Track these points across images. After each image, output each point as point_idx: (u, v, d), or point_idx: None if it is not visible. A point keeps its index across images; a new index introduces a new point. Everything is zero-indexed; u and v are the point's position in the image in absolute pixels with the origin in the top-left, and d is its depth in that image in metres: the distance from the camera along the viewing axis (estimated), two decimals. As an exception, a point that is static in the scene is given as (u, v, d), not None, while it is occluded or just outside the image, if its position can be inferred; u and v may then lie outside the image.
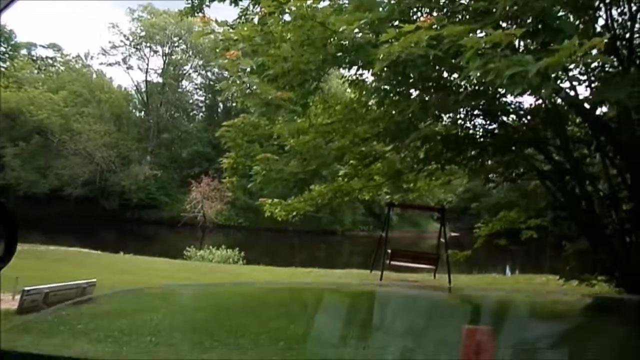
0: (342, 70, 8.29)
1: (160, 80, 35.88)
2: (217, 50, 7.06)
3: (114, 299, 6.73)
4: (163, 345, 4.78)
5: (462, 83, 5.76)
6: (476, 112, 7.69)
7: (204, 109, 39.02)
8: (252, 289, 9.46)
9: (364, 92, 7.93)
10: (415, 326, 4.24)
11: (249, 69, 5.03)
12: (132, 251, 14.73)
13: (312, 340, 4.15)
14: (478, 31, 4.59)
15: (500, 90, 5.41)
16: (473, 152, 8.10)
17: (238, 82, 5.18)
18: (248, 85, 4.91)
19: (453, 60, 4.76)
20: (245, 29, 5.54)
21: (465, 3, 5.57)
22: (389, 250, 11.49)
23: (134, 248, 15.98)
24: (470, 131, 8.07)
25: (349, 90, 9.21)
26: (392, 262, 11.39)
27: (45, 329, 4.99)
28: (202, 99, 39.04)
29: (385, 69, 4.74)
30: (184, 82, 37.78)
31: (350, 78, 8.07)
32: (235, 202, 29.51)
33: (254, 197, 30.59)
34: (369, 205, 28.90)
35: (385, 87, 6.15)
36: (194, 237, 26.65)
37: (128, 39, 34.62)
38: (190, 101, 38.65)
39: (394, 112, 7.13)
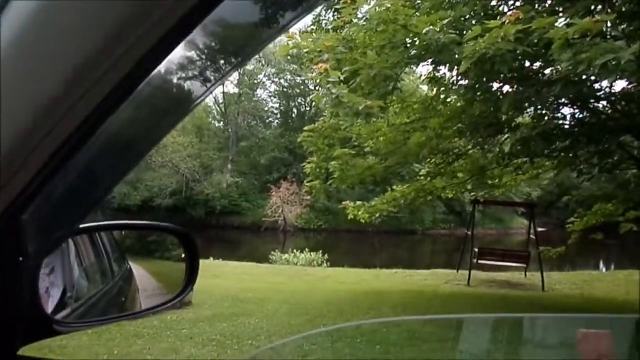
0: (417, 67, 8.23)
1: (236, 90, 37.10)
2: (304, 62, 7.23)
3: (212, 304, 7.07)
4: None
5: (552, 72, 5.55)
6: (563, 100, 7.35)
7: (278, 116, 39.89)
8: (344, 291, 9.58)
9: (443, 89, 7.82)
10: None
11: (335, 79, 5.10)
12: (219, 256, 15.31)
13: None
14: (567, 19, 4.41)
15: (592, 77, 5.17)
16: (564, 143, 7.74)
17: (324, 92, 5.28)
18: (336, 95, 4.99)
19: (542, 51, 4.59)
20: (328, 39, 5.64)
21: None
22: (476, 249, 11.17)
23: (221, 253, 16.60)
24: (559, 121, 7.73)
25: (422, 86, 9.10)
26: (480, 261, 11.08)
27: (153, 334, 5.33)
28: (277, 105, 39.93)
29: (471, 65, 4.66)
30: (259, 91, 38.81)
31: (428, 75, 7.97)
32: (315, 205, 29.90)
33: (332, 200, 30.98)
34: (450, 203, 28.28)
35: (473, 83, 6.01)
36: (276, 241, 27.30)
37: (203, 52, 36.00)
38: (266, 108, 39.64)
39: (476, 106, 6.97)
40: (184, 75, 0.72)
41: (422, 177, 9.63)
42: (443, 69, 7.18)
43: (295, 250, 15.89)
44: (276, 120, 40.05)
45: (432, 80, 7.87)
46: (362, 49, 5.66)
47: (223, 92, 37.34)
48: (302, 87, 36.62)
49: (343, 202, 9.90)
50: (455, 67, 5.68)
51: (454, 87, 7.40)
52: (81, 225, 1.05)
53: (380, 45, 5.52)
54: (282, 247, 22.02)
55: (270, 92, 39.52)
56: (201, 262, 1.43)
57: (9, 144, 0.59)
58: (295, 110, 39.36)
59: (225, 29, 0.66)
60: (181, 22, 0.54)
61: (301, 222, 30.25)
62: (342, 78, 5.17)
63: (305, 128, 8.25)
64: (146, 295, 1.48)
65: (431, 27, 4.81)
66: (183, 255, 1.34)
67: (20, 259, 0.74)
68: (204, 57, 0.71)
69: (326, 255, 15.42)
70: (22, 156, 0.61)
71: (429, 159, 9.12)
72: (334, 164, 7.83)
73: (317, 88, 5.91)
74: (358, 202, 9.59)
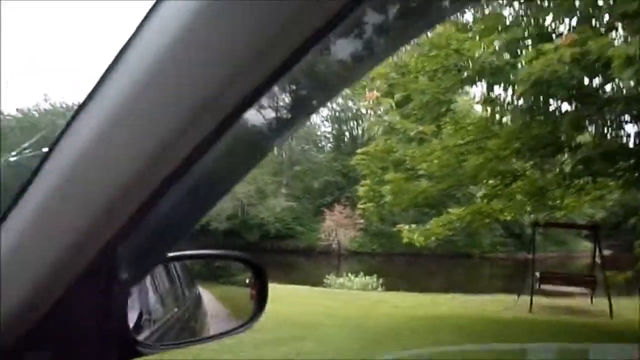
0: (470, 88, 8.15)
1: (289, 115, 37.72)
2: (356, 88, 7.34)
3: (270, 328, 7.14)
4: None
5: (613, 89, 5.38)
6: (626, 117, 7.08)
7: (331, 139, 40.23)
8: (400, 316, 9.43)
9: (498, 109, 7.70)
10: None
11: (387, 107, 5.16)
12: (274, 280, 15.41)
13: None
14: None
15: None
16: (628, 162, 7.42)
17: (376, 119, 5.34)
18: (389, 122, 5.04)
19: (602, 69, 4.47)
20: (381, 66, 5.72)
21: (610, 6, 5.22)
22: (538, 274, 10.73)
23: (275, 277, 16.73)
24: (623, 139, 7.43)
25: (476, 107, 8.99)
26: (542, 287, 10.63)
27: (211, 357, 5.43)
28: (329, 129, 40.30)
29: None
30: (312, 115, 39.36)
31: (482, 97, 7.87)
32: (368, 228, 29.71)
33: (386, 223, 30.68)
34: (508, 226, 27.39)
35: (530, 105, 5.90)
36: (330, 265, 27.27)
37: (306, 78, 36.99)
38: (318, 133, 40.09)
39: (533, 126, 6.82)
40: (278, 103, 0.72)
41: (478, 200, 9.43)
42: (498, 89, 7.10)
43: (349, 274, 15.82)
44: (329, 144, 40.41)
45: (487, 101, 7.77)
46: (415, 74, 5.69)
47: (276, 117, 38.07)
48: (354, 111, 36.85)
49: (397, 225, 9.81)
50: (511, 88, 5.60)
51: (509, 108, 7.27)
52: (169, 254, 1.10)
53: (433, 70, 5.54)
54: (337, 271, 21.96)
55: (322, 116, 40.02)
56: (241, 287, 1.49)
57: (140, 164, 0.63)
58: (347, 134, 39.56)
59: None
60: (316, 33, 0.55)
61: (355, 245, 30.11)
62: (393, 105, 5.21)
63: (359, 151, 8.30)
64: (214, 319, 1.55)
65: (484, 50, 4.79)
66: (247, 281, 1.39)
67: (114, 287, 0.80)
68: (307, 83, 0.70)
69: (381, 280, 15.25)
70: (141, 183, 0.65)
71: (485, 181, 8.95)
72: (387, 188, 7.80)
73: (369, 112, 5.94)
74: (413, 225, 9.49)
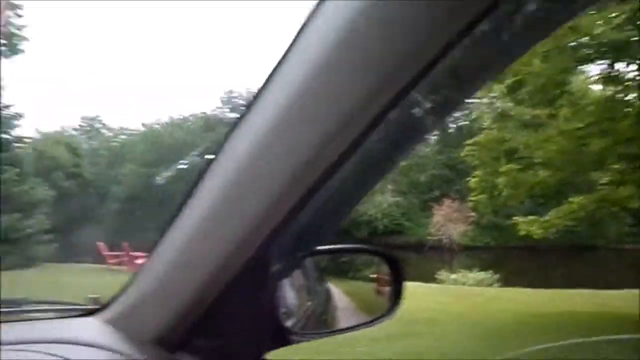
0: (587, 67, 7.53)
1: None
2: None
3: (384, 323, 7.14)
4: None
5: None
6: None
7: (435, 132, 39.28)
8: (519, 313, 8.99)
9: (621, 88, 7.05)
10: None
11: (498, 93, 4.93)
12: (385, 276, 15.35)
13: None
14: None
15: None
16: None
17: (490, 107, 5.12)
18: (501, 109, 4.81)
19: None
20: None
21: None
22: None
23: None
24: None
25: (594, 87, 8.28)
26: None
27: (331, 351, 5.56)
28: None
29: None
30: (415, 108, 38.69)
31: (602, 75, 7.25)
32: (480, 221, 28.59)
33: (498, 216, 29.32)
34: (637, 214, 24.93)
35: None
36: (440, 260, 26.59)
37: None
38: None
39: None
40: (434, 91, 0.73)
41: (603, 186, 8.71)
42: (619, 66, 6.50)
43: (463, 270, 15.35)
44: (434, 137, 39.45)
45: (608, 79, 7.15)
46: (527, 57, 5.39)
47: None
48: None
49: (513, 218, 9.33)
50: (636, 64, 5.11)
51: (632, 85, 6.64)
52: (317, 248, 1.15)
53: (546, 50, 5.19)
54: (449, 267, 21.36)
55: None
56: (367, 283, 1.54)
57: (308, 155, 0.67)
58: (452, 125, 38.39)
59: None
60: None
61: (466, 239, 29.12)
62: (505, 90, 4.95)
63: (469, 142, 8.03)
64: (342, 313, 1.60)
65: (605, 26, 4.40)
66: (372, 276, 1.44)
67: (267, 281, 0.87)
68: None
69: (497, 275, 14.61)
70: (296, 185, 0.70)
71: (610, 166, 8.24)
72: (502, 181, 7.44)
73: (479, 101, 5.70)
74: (530, 217, 8.99)
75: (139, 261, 15.90)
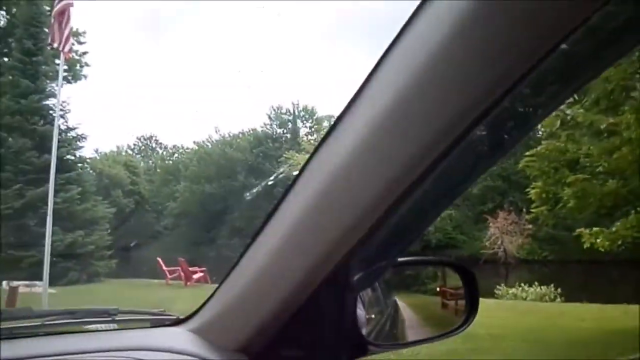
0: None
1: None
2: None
3: (447, 339, 6.96)
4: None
5: None
6: None
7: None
8: (587, 329, 8.59)
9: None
10: None
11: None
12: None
13: None
14: None
15: None
16: None
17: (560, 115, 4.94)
18: (571, 116, 4.63)
19: None
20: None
21: None
22: None
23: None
24: None
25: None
26: None
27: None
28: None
29: None
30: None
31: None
32: (537, 234, 27.61)
33: (557, 228, 28.17)
34: None
35: None
36: (496, 274, 25.76)
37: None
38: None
39: None
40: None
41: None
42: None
43: (522, 284, 14.80)
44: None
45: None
46: None
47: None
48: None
49: (577, 230, 8.93)
50: None
51: None
52: (399, 259, 1.15)
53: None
54: (506, 280, 20.63)
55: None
56: (432, 296, 1.52)
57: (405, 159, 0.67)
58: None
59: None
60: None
61: (523, 253, 28.14)
62: (575, 98, 4.76)
63: (527, 153, 7.80)
64: (408, 325, 1.58)
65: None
66: (437, 289, 1.45)
67: (348, 292, 0.88)
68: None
69: (559, 289, 14.01)
70: (383, 197, 0.70)
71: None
72: (568, 192, 7.14)
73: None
74: (595, 229, 8.59)
75: (196, 276, 16.25)
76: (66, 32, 10.11)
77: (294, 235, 0.78)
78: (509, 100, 0.63)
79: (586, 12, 0.54)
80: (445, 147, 0.65)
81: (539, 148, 7.50)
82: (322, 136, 0.77)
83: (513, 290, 14.53)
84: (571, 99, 4.58)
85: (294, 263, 0.79)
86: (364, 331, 1.10)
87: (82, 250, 17.98)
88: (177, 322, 1.01)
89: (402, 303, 1.58)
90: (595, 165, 7.72)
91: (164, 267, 17.55)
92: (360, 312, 1.09)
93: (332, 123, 0.75)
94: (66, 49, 10.54)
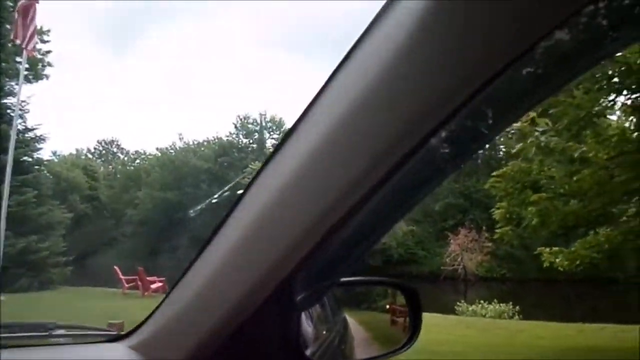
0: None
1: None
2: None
3: (411, 357, 6.96)
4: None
5: None
6: None
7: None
8: (547, 347, 8.74)
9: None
10: None
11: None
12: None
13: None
14: None
15: None
16: None
17: (534, 140, 5.05)
18: (545, 143, 4.75)
19: None
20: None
21: None
22: None
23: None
24: None
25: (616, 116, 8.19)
26: None
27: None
28: (448, 150, 39.27)
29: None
30: (430, 138, 38.75)
31: (630, 103, 7.17)
32: (496, 252, 28.23)
33: (515, 247, 28.85)
34: (659, 247, 24.40)
35: None
36: (456, 291, 26.17)
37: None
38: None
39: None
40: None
41: (629, 218, 8.52)
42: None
43: (482, 301, 15.04)
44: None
45: (636, 109, 7.07)
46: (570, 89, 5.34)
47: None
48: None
49: (538, 249, 9.13)
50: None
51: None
52: (341, 280, 1.15)
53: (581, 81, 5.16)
54: (465, 297, 20.90)
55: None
56: (382, 314, 1.55)
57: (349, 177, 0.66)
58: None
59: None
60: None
61: (482, 270, 28.69)
62: (550, 124, 4.91)
63: (494, 173, 7.97)
64: (358, 343, 1.60)
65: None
66: (387, 307, 1.48)
67: (291, 309, 0.88)
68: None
69: (517, 307, 14.30)
70: (329, 215, 0.69)
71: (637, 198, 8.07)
72: (532, 210, 7.32)
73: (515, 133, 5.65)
74: (555, 248, 8.81)
75: (154, 286, 15.83)
76: (30, 29, 9.77)
77: (237, 252, 0.79)
78: (463, 114, 0.61)
79: (541, 31, 0.54)
80: (382, 175, 0.64)
81: (505, 169, 7.68)
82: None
83: (473, 307, 14.74)
84: (546, 124, 4.72)
85: (236, 279, 0.79)
86: (310, 349, 1.10)
87: (36, 256, 17.29)
88: (117, 338, 0.99)
89: (352, 320, 1.60)
90: (556, 187, 7.94)
91: (121, 276, 17.06)
92: (307, 329, 1.10)
93: (281, 138, 0.76)
94: (29, 47, 10.19)
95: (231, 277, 0.80)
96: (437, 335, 9.65)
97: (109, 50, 58.99)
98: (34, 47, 10.44)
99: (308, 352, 1.06)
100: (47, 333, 1.14)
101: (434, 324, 11.54)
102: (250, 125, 41.91)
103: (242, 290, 0.78)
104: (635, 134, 7.42)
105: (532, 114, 4.81)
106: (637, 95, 6.06)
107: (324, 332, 1.35)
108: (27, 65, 14.86)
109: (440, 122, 0.61)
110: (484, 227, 28.07)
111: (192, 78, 56.63)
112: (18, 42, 10.04)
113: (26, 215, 17.34)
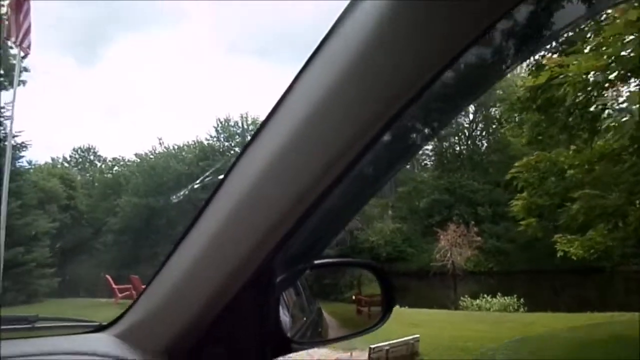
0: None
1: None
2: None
3: (438, 354, 6.84)
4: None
5: None
6: None
7: (432, 157, 39.36)
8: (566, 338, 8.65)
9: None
10: None
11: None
12: (401, 304, 15.00)
13: None
14: None
15: None
16: None
17: None
18: None
19: None
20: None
21: None
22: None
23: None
24: None
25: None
26: None
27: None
28: (430, 147, 39.48)
29: None
30: (412, 134, 38.87)
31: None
32: (484, 246, 28.46)
33: (501, 240, 29.17)
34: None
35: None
36: (445, 286, 26.27)
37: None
38: (420, 152, 39.43)
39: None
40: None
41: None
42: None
43: (486, 295, 15.05)
44: (430, 162, 39.54)
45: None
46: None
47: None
48: (453, 126, 35.82)
49: (555, 236, 9.05)
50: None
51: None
52: (315, 262, 1.21)
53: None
54: (454, 292, 20.87)
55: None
56: (348, 304, 1.59)
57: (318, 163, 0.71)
58: (450, 150, 38.57)
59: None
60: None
61: (470, 265, 28.86)
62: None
63: (517, 164, 7.87)
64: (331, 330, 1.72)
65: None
66: (353, 297, 1.55)
67: (270, 292, 0.92)
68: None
69: (522, 300, 14.34)
70: (300, 202, 0.74)
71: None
72: (576, 207, 7.21)
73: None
74: (570, 236, 8.76)
75: (150, 294, 15.38)
76: (25, 26, 9.25)
77: (214, 241, 0.82)
78: (415, 107, 0.67)
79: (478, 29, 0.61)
80: (355, 154, 0.69)
81: (529, 158, 7.59)
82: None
83: (477, 301, 14.75)
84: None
85: (216, 265, 0.82)
86: (291, 331, 1.16)
87: (21, 268, 16.63)
88: (100, 329, 1.01)
89: (324, 311, 1.70)
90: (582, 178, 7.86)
91: (114, 285, 16.54)
92: (286, 314, 1.15)
93: (255, 131, 0.79)
94: (25, 44, 9.65)
95: (210, 263, 0.83)
96: (453, 332, 9.57)
97: (79, 58, 57.61)
98: (29, 45, 9.87)
99: (289, 334, 1.10)
100: (30, 325, 1.15)
101: (442, 320, 11.48)
102: (232, 128, 41.37)
103: (221, 276, 0.82)
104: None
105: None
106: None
107: (303, 319, 1.43)
108: (1, 72, 14.15)
109: (404, 105, 0.66)
110: (472, 222, 28.29)
111: (168, 84, 55.70)
112: (12, 40, 9.49)
113: (10, 225, 16.66)
